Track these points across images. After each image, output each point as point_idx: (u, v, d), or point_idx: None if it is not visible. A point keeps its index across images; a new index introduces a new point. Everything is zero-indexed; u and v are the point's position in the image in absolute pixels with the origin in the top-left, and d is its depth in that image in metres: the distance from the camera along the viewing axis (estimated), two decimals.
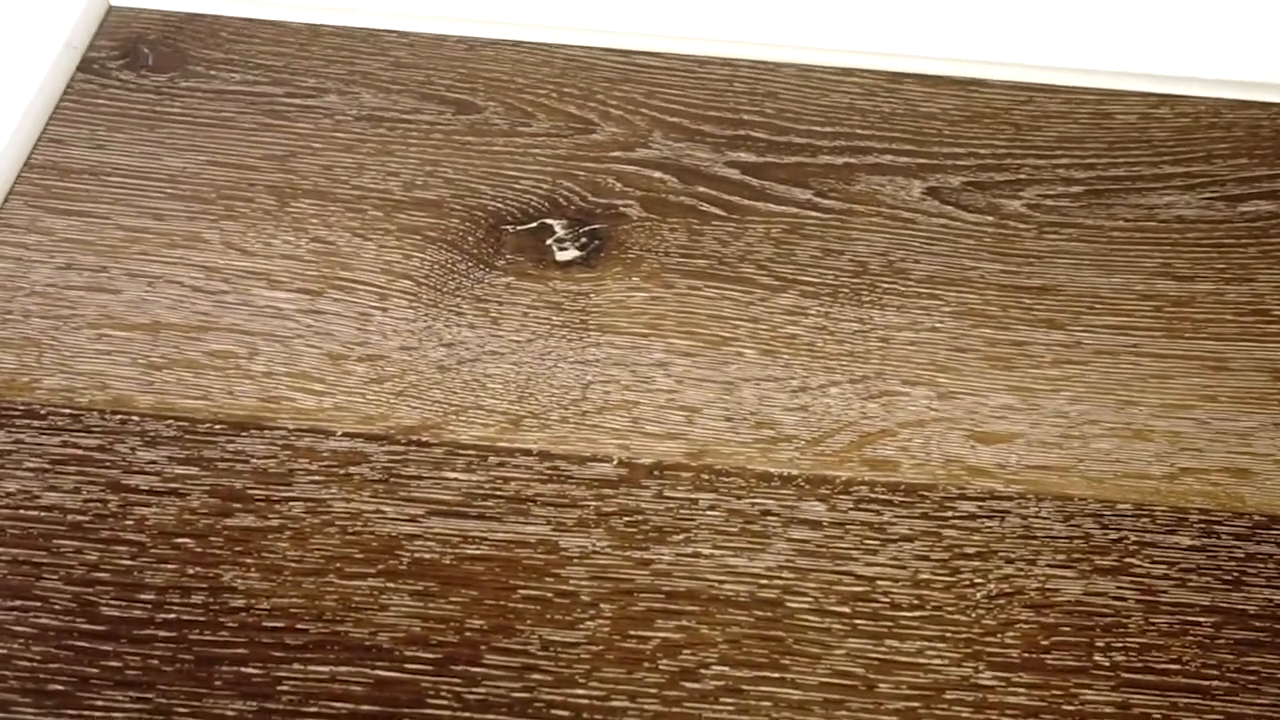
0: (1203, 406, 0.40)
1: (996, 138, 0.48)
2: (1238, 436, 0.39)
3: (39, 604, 0.34)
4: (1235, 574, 0.36)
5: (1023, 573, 0.35)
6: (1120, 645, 0.34)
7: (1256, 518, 0.37)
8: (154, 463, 0.36)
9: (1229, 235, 0.45)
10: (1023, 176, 0.46)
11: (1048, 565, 0.36)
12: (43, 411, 0.37)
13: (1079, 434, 0.39)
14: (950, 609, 0.34)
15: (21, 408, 0.37)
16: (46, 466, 0.36)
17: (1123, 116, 0.49)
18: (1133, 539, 0.36)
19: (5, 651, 0.33)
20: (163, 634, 0.33)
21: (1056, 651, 0.34)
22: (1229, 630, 0.35)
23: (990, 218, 0.45)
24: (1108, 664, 0.34)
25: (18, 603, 0.34)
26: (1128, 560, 0.36)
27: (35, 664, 0.33)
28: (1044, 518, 0.37)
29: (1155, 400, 0.40)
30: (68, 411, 0.37)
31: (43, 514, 0.35)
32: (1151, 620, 0.35)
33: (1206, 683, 0.33)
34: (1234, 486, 0.38)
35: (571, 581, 0.34)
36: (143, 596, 0.34)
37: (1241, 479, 0.38)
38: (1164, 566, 0.36)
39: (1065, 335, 0.41)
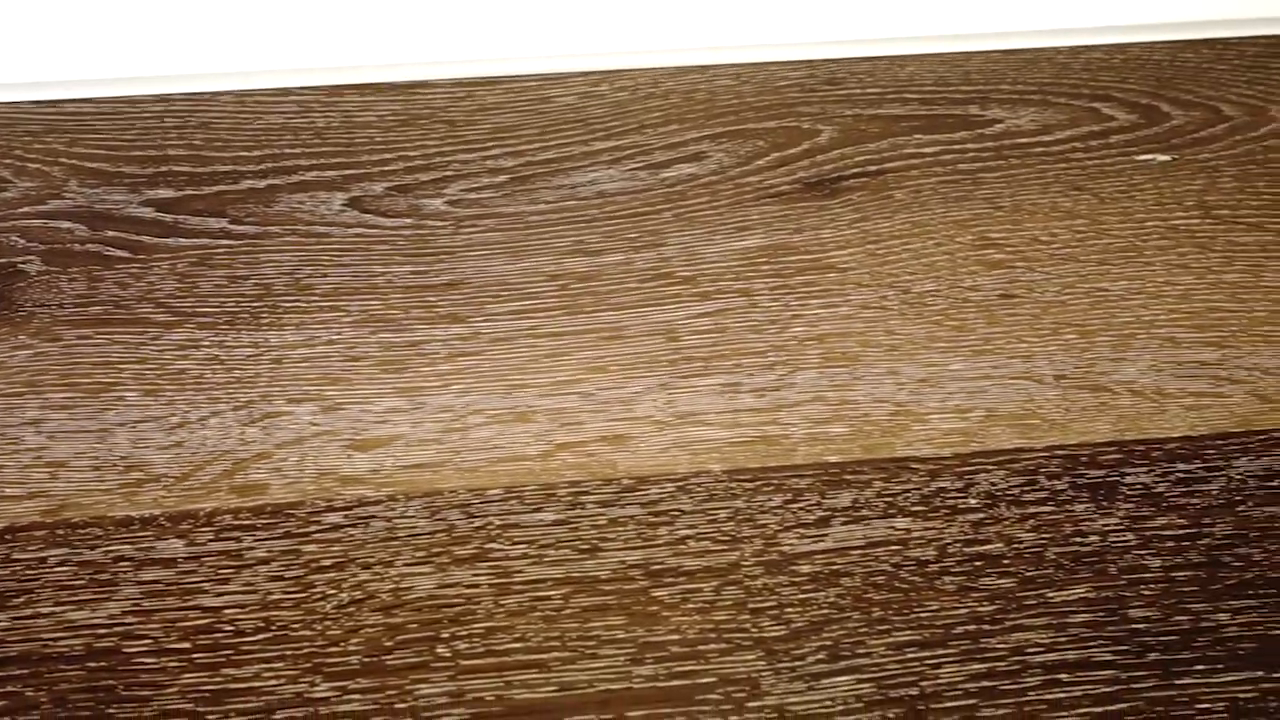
0: (591, 379, 0.40)
1: (429, 138, 0.48)
2: (621, 404, 0.40)
3: None
4: (594, 542, 0.37)
5: (378, 577, 0.36)
6: (465, 634, 0.34)
7: (625, 481, 0.38)
8: None
9: (646, 204, 0.46)
10: (449, 173, 0.47)
11: (405, 565, 0.36)
12: None
13: (461, 426, 0.39)
14: (297, 626, 0.34)
15: None
16: None
17: (562, 99, 0.50)
18: (497, 524, 0.37)
19: None
20: None
21: (399, 651, 0.34)
22: (578, 599, 0.35)
23: (409, 220, 0.45)
24: (449, 654, 0.34)
25: None
26: (488, 546, 0.36)
27: None
28: (410, 517, 0.37)
29: (545, 380, 0.40)
30: None
31: None
32: (501, 602, 0.35)
33: (545, 655, 0.34)
34: (609, 454, 0.39)
35: None
36: None
37: (617, 445, 0.39)
38: (524, 546, 0.36)
39: (465, 328, 0.42)
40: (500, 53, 0.50)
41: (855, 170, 0.47)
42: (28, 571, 0.35)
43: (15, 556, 0.36)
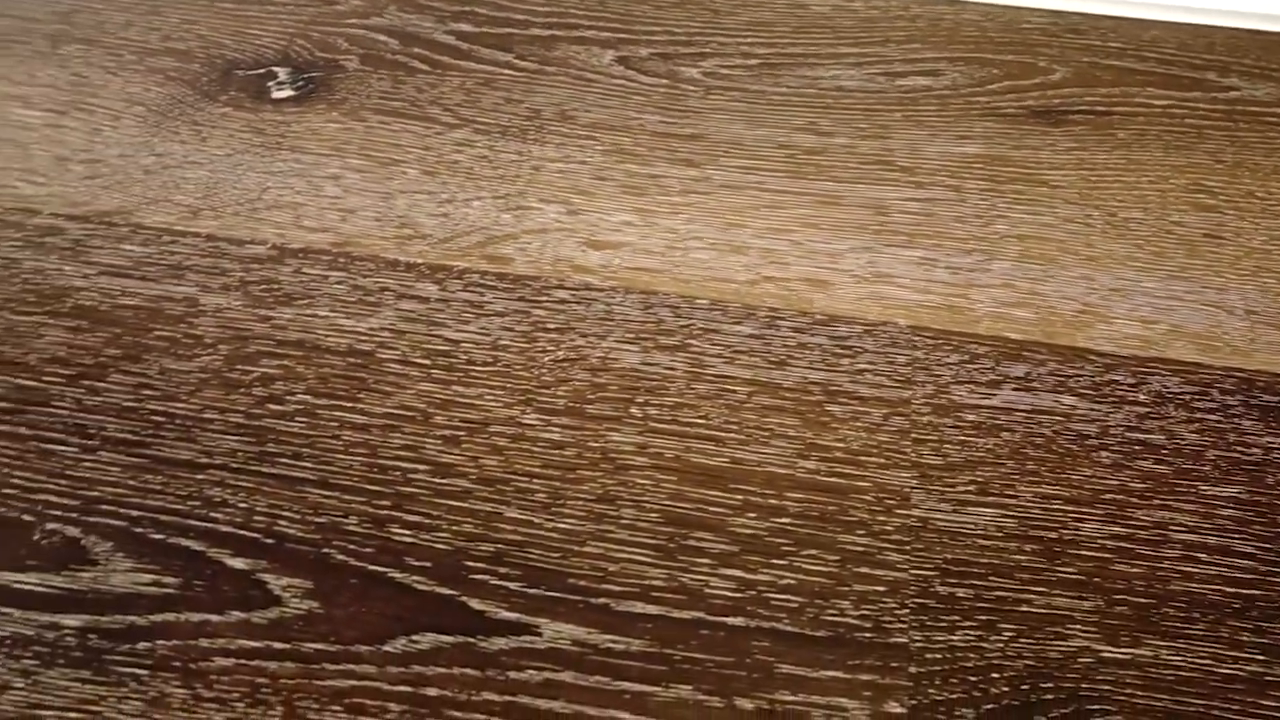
0: (803, 232, 0.44)
1: (694, 19, 0.53)
2: (827, 256, 0.43)
3: None
4: (782, 357, 0.40)
5: (591, 345, 0.40)
6: (657, 403, 0.38)
7: (818, 316, 0.41)
8: None
9: (880, 103, 0.49)
10: (708, 50, 0.51)
11: (615, 340, 0.40)
12: None
13: (682, 247, 0.43)
14: (518, 367, 0.39)
15: None
16: None
17: (817, 8, 0.53)
18: (700, 326, 0.41)
19: None
20: None
21: (599, 404, 0.38)
22: (759, 398, 0.39)
23: (665, 81, 0.50)
24: (640, 415, 0.38)
25: None
26: (689, 341, 0.40)
27: None
28: (626, 307, 0.41)
29: (762, 225, 0.44)
30: None
31: None
32: (692, 386, 0.39)
33: (723, 434, 0.37)
34: (808, 293, 0.42)
35: (201, 328, 0.40)
36: None
37: (817, 288, 0.42)
38: (720, 348, 0.40)
39: (698, 172, 0.46)
40: None
41: (1083, 108, 0.49)
42: (312, 283, 0.42)
43: (305, 270, 0.42)
